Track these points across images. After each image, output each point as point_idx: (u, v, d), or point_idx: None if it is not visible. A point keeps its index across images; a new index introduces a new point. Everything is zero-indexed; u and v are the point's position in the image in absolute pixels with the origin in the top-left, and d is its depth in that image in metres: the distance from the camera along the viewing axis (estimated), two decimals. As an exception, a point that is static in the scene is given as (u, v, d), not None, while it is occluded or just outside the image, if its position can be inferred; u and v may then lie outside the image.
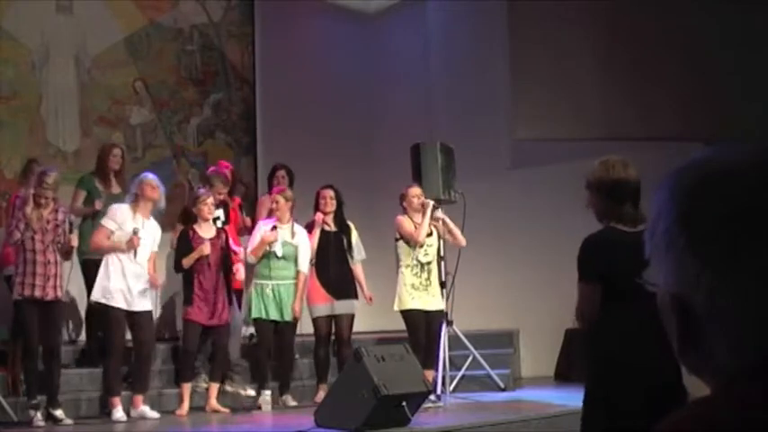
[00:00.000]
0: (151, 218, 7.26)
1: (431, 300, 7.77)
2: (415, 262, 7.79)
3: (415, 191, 7.91)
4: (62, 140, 9.35)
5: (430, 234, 7.84)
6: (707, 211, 0.93)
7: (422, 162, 8.15)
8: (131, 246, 6.94)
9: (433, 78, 10.52)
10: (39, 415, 6.68)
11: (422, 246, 7.77)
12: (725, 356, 0.94)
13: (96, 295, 7.01)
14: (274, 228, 7.58)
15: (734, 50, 8.50)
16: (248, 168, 10.41)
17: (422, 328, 7.68)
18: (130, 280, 6.97)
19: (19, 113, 9.14)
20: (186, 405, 7.28)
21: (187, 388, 7.33)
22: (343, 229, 7.97)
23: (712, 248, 0.92)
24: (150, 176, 7.33)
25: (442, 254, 8.21)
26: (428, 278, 7.77)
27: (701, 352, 0.96)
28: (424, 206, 7.78)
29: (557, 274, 9.34)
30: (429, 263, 7.81)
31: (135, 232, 6.95)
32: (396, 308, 7.77)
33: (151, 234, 7.21)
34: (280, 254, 7.58)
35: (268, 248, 7.55)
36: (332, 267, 7.90)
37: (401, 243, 7.86)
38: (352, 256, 7.98)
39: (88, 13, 9.55)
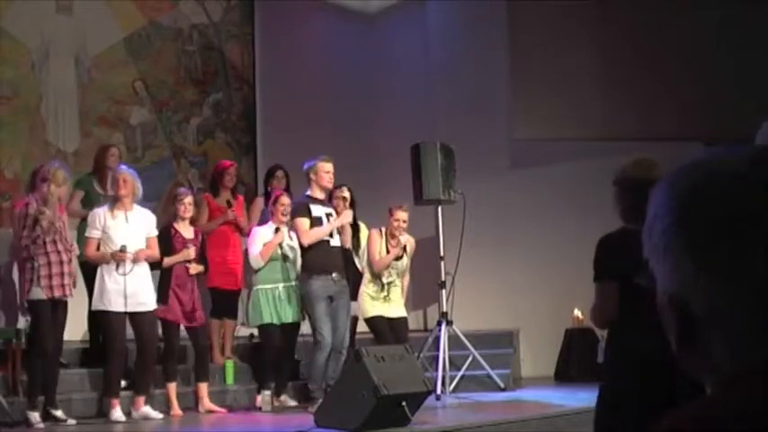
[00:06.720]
0: (136, 206, 7.12)
1: (389, 307, 7.69)
2: (376, 279, 7.75)
3: (400, 215, 7.79)
4: (62, 140, 9.34)
5: (399, 258, 7.73)
6: (705, 213, 0.93)
7: (422, 162, 8.15)
8: (114, 259, 6.87)
9: (433, 78, 10.51)
10: (37, 416, 6.65)
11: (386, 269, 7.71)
12: (724, 356, 0.94)
13: (96, 302, 6.97)
14: (278, 230, 7.54)
15: (733, 51, 8.51)
16: (248, 168, 10.40)
17: (386, 332, 7.63)
18: (127, 280, 6.91)
19: (19, 113, 9.13)
20: (176, 405, 7.24)
21: (173, 388, 7.30)
22: (354, 230, 7.84)
23: (711, 249, 0.92)
24: (127, 171, 7.15)
25: (442, 254, 8.21)
26: (387, 295, 7.67)
27: (701, 352, 0.96)
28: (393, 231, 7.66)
29: (557, 275, 9.38)
30: (390, 282, 7.70)
31: (122, 249, 6.85)
32: (360, 317, 7.81)
33: (143, 222, 7.12)
34: (291, 255, 7.55)
35: (279, 250, 7.52)
36: None
37: (366, 257, 7.82)
38: (359, 256, 7.95)
39: (88, 13, 9.54)
